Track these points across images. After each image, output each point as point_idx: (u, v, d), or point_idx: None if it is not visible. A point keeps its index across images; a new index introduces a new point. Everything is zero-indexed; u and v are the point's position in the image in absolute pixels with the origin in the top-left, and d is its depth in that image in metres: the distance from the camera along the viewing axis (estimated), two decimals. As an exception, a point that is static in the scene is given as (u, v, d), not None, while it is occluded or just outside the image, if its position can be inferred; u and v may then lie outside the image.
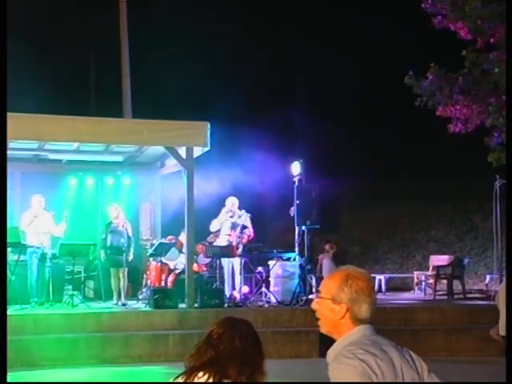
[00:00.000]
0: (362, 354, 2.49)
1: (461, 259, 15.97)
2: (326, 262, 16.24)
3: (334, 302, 2.63)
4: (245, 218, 13.12)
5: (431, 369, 2.67)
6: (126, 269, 12.73)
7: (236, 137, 16.52)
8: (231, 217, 13.10)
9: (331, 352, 2.62)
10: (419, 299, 14.72)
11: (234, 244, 12.87)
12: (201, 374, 2.82)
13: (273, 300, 12.68)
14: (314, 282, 13.15)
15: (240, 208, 13.25)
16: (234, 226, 13.06)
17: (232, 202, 13.19)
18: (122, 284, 12.66)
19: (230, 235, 13.05)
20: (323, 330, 2.70)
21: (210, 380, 2.79)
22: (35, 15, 21.12)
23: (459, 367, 10.05)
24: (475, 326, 11.52)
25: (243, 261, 12.98)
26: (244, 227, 13.06)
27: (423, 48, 17.20)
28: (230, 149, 15.81)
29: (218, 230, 13.25)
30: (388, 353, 2.56)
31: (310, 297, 12.24)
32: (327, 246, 16.76)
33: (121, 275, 12.66)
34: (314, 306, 2.73)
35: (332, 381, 2.50)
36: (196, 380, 2.81)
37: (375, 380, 2.44)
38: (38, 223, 12.26)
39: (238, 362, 2.82)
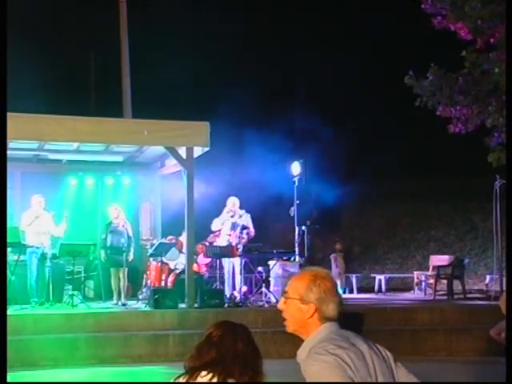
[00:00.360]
0: (333, 348, 2.52)
1: (461, 259, 15.96)
2: (338, 261, 16.35)
3: (303, 301, 2.66)
4: (245, 218, 13.13)
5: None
6: (126, 269, 12.74)
7: (236, 137, 16.54)
8: (232, 216, 13.10)
9: (301, 351, 2.65)
10: (419, 299, 14.70)
11: (234, 244, 12.88)
12: (204, 373, 2.83)
13: (273, 300, 12.65)
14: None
15: (240, 208, 13.25)
16: (234, 227, 13.07)
17: (233, 202, 13.19)
18: (122, 284, 12.66)
19: (230, 235, 13.06)
20: (290, 329, 2.73)
21: (214, 380, 2.81)
22: (35, 15, 21.13)
23: (459, 367, 10.03)
24: (475, 326, 11.50)
25: (243, 261, 12.97)
26: (244, 227, 13.06)
27: (423, 48, 17.18)
28: (230, 149, 15.82)
29: (219, 230, 13.26)
30: (357, 345, 2.61)
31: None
32: (338, 245, 16.80)
33: (121, 275, 12.67)
34: (280, 306, 2.75)
35: (308, 378, 2.54)
36: (199, 379, 2.83)
37: (349, 372, 2.48)
38: (38, 223, 12.27)
39: (241, 364, 2.87)
